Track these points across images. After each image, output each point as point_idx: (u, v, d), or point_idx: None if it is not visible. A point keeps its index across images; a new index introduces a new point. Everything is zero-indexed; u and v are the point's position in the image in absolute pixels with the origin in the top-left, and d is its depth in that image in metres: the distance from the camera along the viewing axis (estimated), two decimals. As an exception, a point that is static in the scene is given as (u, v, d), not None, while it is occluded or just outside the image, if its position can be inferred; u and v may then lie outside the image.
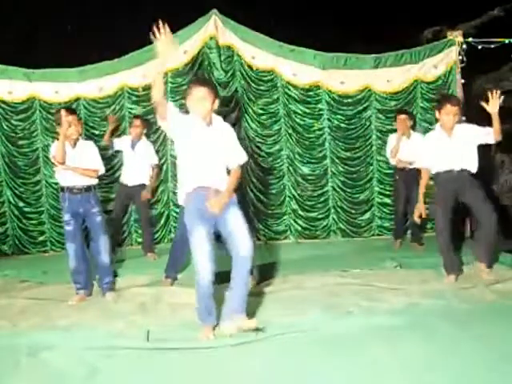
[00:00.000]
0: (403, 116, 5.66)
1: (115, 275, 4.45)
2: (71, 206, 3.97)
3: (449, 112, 3.95)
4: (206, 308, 2.98)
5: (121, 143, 5.82)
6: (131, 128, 5.82)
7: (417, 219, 4.22)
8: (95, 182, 4.09)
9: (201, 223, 2.90)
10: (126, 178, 5.74)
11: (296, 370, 2.51)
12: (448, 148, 4.03)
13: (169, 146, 6.53)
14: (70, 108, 4.64)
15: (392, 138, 5.74)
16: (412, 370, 2.43)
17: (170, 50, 2.79)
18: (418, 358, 2.55)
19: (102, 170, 4.13)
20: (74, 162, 3.96)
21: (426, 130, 5.67)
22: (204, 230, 2.89)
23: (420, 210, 4.17)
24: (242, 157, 3.16)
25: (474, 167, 4.04)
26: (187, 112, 3.06)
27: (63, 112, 3.89)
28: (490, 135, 4.02)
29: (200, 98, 2.94)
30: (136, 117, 5.88)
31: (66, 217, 3.98)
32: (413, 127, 5.78)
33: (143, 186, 5.77)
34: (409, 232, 6.07)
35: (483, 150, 4.22)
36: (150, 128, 6.31)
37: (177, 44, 2.88)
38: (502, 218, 4.20)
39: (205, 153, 2.96)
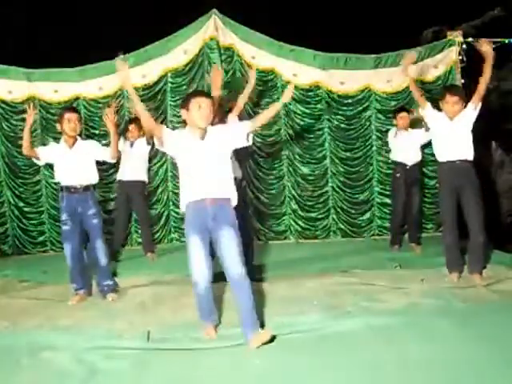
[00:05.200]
0: (403, 114, 5.63)
1: (114, 275, 4.45)
2: (69, 206, 3.96)
3: (448, 101, 4.05)
4: (206, 309, 3.06)
5: (121, 143, 5.78)
6: (127, 132, 5.78)
7: None
8: (94, 181, 4.09)
9: (196, 232, 2.96)
10: (123, 174, 5.73)
11: (296, 369, 2.51)
12: (449, 128, 4.09)
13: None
14: (72, 107, 4.66)
15: (392, 132, 5.75)
16: (411, 370, 2.43)
17: (127, 79, 3.13)
18: (417, 357, 2.55)
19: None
20: (71, 163, 3.95)
21: (427, 129, 5.66)
22: (199, 238, 2.95)
23: None
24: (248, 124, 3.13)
25: (471, 154, 4.10)
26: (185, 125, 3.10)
27: (65, 112, 3.95)
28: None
29: (206, 109, 2.96)
30: (130, 122, 5.81)
31: (64, 216, 3.98)
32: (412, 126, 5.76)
33: (140, 182, 5.79)
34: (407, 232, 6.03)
35: (483, 149, 4.23)
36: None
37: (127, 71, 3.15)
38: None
39: (201, 166, 2.98)
